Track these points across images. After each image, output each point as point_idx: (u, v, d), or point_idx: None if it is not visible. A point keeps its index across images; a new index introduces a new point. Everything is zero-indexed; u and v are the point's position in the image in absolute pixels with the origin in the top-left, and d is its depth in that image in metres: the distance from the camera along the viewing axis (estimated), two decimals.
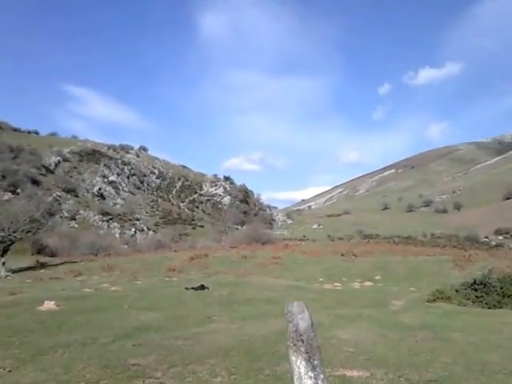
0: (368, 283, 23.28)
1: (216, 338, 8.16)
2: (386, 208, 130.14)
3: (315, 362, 4.79)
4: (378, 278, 25.16)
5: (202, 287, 16.29)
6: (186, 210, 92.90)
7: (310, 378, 4.74)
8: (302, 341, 4.80)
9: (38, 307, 12.52)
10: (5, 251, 26.49)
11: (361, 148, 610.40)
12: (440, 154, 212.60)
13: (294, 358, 4.88)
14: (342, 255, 35.14)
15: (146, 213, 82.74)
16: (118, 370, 6.14)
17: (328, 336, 7.93)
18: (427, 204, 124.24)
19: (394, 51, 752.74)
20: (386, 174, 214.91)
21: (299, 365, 4.79)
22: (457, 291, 15.15)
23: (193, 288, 16.12)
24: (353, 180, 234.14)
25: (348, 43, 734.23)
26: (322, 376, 4.78)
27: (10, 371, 6.50)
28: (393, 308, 13.57)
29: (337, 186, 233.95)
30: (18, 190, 55.56)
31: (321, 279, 24.68)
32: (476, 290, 14.57)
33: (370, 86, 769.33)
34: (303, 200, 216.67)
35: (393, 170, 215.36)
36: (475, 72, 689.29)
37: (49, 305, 12.67)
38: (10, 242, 26.79)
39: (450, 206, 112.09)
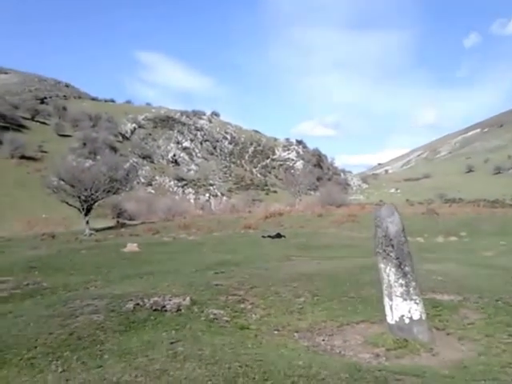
0: (453, 238, 21.97)
1: (297, 267, 8.08)
2: (470, 171, 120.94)
3: (406, 269, 4.45)
4: (463, 234, 23.60)
5: (279, 235, 16.31)
6: (259, 175, 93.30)
7: (401, 285, 4.41)
8: (392, 246, 4.45)
9: (122, 249, 13.36)
10: (88, 210, 28.39)
11: (442, 107, 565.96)
12: None
13: (382, 266, 4.56)
14: (423, 213, 33.50)
15: (220, 178, 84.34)
16: (201, 287, 6.28)
17: (415, 268, 7.49)
18: None
19: None
20: (470, 134, 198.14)
21: (389, 272, 4.47)
22: None
23: (269, 236, 16.20)
24: (433, 142, 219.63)
25: None
26: (413, 283, 4.44)
27: (101, 288, 6.94)
28: (482, 255, 12.64)
29: (415, 149, 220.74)
30: (98, 157, 59.07)
31: None
32: None
33: (454, 37, 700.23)
34: (379, 164, 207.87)
35: (478, 130, 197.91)
36: None
37: (131, 247, 13.50)
38: (92, 202, 28.61)
39: None
